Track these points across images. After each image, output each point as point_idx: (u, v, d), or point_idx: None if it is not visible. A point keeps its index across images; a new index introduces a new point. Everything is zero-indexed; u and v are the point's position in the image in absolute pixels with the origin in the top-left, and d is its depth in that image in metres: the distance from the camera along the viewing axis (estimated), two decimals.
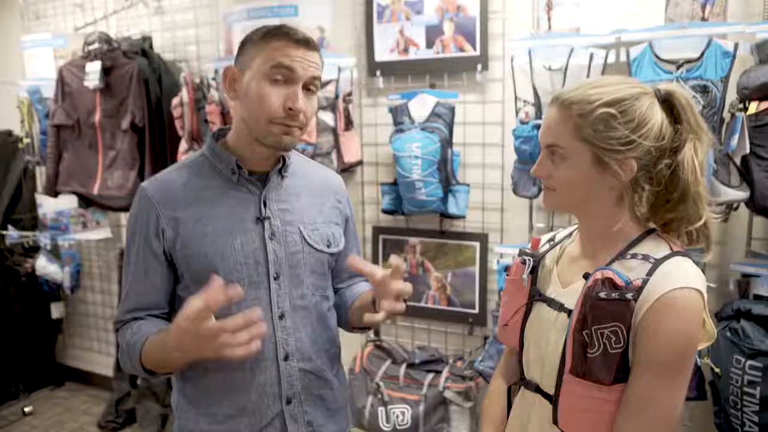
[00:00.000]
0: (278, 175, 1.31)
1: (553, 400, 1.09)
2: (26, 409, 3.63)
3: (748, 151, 1.82)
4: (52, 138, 3.11)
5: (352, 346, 2.83)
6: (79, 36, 3.21)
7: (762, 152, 1.80)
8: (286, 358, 1.27)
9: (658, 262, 1.01)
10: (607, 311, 0.97)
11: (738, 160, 1.85)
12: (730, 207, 1.92)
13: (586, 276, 1.04)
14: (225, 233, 1.24)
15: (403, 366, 2.56)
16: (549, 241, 1.25)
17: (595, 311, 0.98)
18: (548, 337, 1.11)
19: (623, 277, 0.99)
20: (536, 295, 1.17)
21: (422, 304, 2.70)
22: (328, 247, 1.34)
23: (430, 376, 2.51)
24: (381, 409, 2.49)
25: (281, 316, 1.27)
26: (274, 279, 1.26)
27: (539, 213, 2.41)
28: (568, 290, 1.11)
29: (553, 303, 1.12)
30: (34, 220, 3.76)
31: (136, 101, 2.93)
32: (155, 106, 2.96)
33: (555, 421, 1.08)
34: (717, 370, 1.79)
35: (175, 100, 2.84)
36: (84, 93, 3.00)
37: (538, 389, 1.14)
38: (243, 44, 1.25)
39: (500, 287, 2.32)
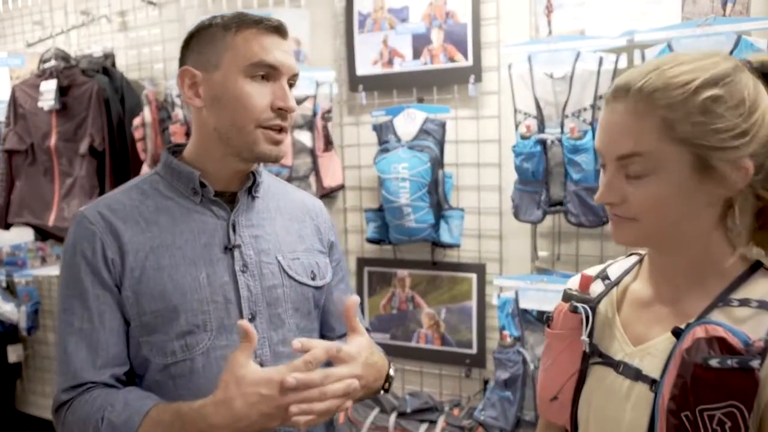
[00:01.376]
0: (248, 195, 1.11)
1: None
2: None
3: None
4: (3, 165, 2.86)
5: None
6: (37, 54, 2.97)
7: None
8: None
9: None
10: (721, 386, 0.70)
11: None
12: None
13: (677, 332, 0.77)
14: (187, 265, 1.03)
15: (393, 415, 2.31)
16: (601, 277, 0.97)
17: (702, 386, 0.71)
18: (620, 416, 0.83)
19: (740, 336, 0.72)
20: (595, 356, 0.88)
21: (413, 344, 2.46)
22: (313, 279, 1.16)
23: (424, 426, 2.27)
24: None
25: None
26: (250, 320, 1.06)
27: (543, 240, 2.18)
28: (644, 350, 0.84)
29: (625, 368, 0.84)
30: None
31: (96, 123, 2.69)
32: (117, 128, 2.72)
33: None
34: None
35: (136, 120, 2.60)
36: (38, 115, 2.76)
37: None
38: (197, 39, 1.06)
39: (501, 325, 2.10)
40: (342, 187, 2.51)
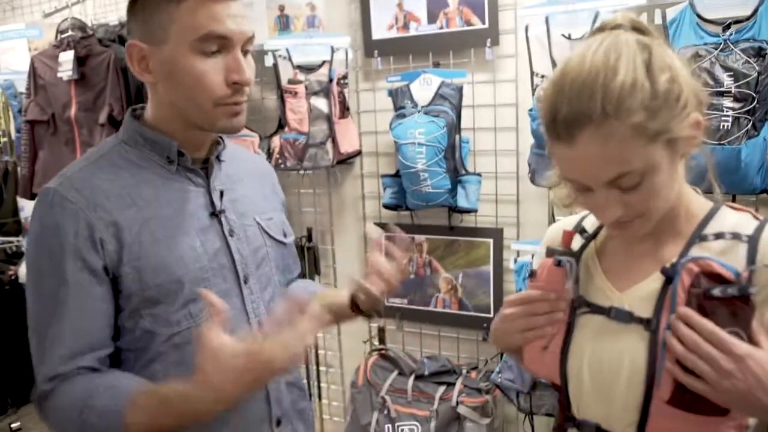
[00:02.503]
0: (217, 160, 1.12)
1: None
2: (14, 426, 3.42)
3: None
4: (26, 135, 2.89)
5: (355, 355, 2.62)
6: (54, 25, 2.98)
7: None
8: None
9: (753, 240, 0.79)
10: (725, 314, 0.74)
11: None
12: None
13: (666, 272, 0.80)
14: (181, 235, 1.02)
15: (412, 378, 2.34)
16: (578, 231, 0.99)
17: (708, 316, 0.74)
18: (616, 361, 0.85)
19: (731, 269, 0.75)
20: (582, 306, 0.90)
21: (431, 308, 2.48)
22: (285, 237, 1.21)
23: (442, 389, 2.29)
24: (388, 426, 2.28)
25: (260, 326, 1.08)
26: (245, 283, 1.08)
27: None
28: (631, 294, 0.87)
29: (616, 313, 0.87)
30: (17, 224, 3.56)
31: (114, 92, 2.69)
32: (135, 97, 2.72)
33: None
34: None
35: None
36: (58, 85, 2.77)
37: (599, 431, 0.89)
38: (141, 6, 0.98)
39: (518, 289, 2.09)
40: (359, 153, 2.50)
